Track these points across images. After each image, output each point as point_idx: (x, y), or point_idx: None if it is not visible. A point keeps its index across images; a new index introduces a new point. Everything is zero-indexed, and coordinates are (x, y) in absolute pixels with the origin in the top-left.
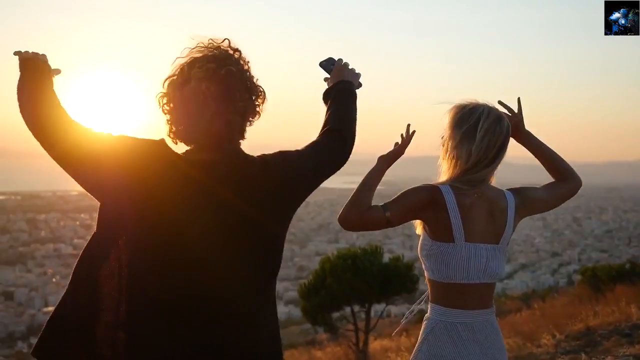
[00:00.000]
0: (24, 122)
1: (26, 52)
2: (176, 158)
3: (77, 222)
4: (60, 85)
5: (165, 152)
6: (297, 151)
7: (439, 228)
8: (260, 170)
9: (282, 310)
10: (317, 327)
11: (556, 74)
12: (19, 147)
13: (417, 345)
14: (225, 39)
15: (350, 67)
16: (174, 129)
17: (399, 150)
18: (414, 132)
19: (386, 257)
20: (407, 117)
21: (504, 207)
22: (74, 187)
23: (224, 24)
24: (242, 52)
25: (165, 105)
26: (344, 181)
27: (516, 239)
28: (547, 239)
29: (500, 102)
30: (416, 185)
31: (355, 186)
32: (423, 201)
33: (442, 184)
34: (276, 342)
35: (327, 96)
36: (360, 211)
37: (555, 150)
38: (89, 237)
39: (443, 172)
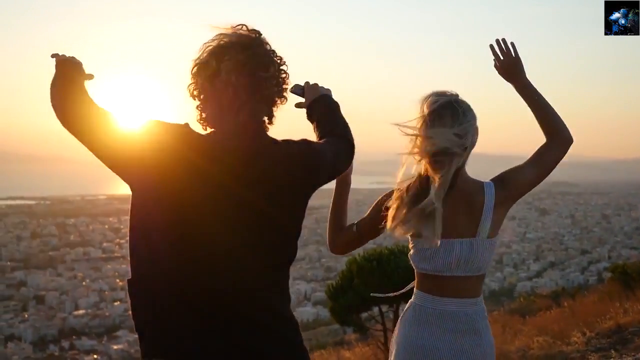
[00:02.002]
0: (54, 123)
1: (62, 55)
2: (201, 141)
3: (106, 226)
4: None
5: (190, 135)
6: (319, 142)
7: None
8: (283, 157)
9: (310, 311)
10: (346, 328)
11: (561, 71)
12: (48, 152)
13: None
14: (242, 25)
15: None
16: (203, 115)
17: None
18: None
19: None
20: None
21: (481, 199)
22: (103, 192)
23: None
24: (262, 34)
25: (195, 93)
26: (370, 181)
27: (544, 237)
28: (576, 237)
29: (491, 46)
30: (380, 198)
31: (381, 186)
32: (382, 210)
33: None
34: (297, 329)
35: (311, 112)
36: (333, 235)
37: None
38: (117, 241)
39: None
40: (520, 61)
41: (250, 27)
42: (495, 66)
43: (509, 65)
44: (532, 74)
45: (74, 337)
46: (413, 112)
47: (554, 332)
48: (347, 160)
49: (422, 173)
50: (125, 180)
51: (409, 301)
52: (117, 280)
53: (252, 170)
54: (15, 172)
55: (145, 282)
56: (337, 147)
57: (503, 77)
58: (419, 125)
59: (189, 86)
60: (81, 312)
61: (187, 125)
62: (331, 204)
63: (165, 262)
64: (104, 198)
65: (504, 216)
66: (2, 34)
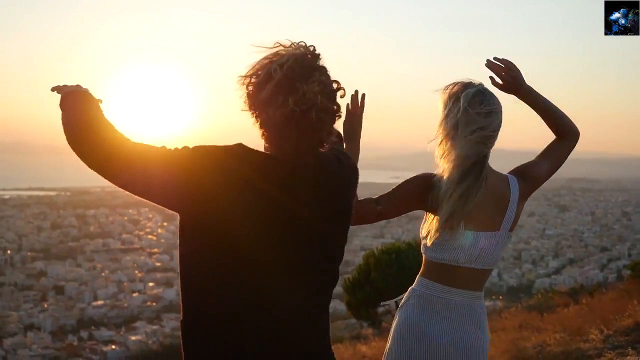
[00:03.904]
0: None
1: (64, 85)
2: (253, 155)
3: (125, 218)
4: (107, 83)
5: (246, 151)
6: (342, 150)
7: (434, 214)
8: (341, 178)
9: None
10: (362, 322)
11: (564, 69)
12: (66, 143)
13: (396, 312)
14: (302, 42)
15: None
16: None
17: (348, 118)
18: (363, 94)
19: None
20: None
21: (507, 192)
22: None
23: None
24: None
25: (258, 125)
26: (389, 176)
27: (564, 234)
28: (596, 234)
29: (488, 61)
30: (411, 177)
31: (399, 181)
32: (419, 191)
33: (437, 173)
34: (329, 345)
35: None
36: None
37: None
38: (136, 232)
39: (439, 158)
40: (519, 71)
41: (309, 45)
42: (494, 84)
43: (510, 82)
44: (542, 74)
45: (92, 327)
46: (436, 106)
47: (571, 329)
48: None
49: (456, 165)
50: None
51: (411, 288)
52: (136, 272)
53: (319, 197)
54: (36, 163)
55: (213, 323)
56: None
57: (505, 92)
58: (458, 116)
59: (246, 97)
60: (100, 302)
61: (241, 145)
62: None
63: (235, 304)
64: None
65: (522, 210)
66: (20, 25)
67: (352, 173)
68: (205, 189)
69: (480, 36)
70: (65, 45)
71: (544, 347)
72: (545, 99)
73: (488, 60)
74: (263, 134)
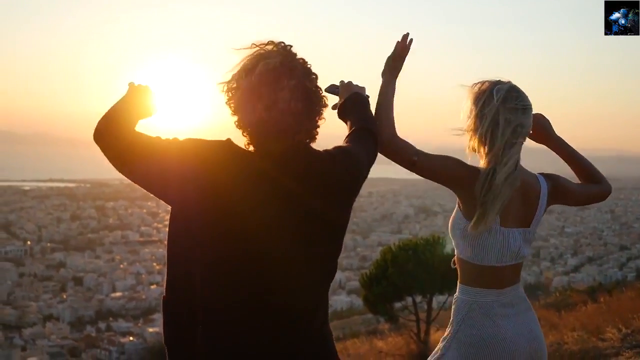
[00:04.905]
0: (96, 108)
1: (139, 85)
2: (245, 153)
3: (144, 210)
4: (125, 76)
5: (233, 149)
6: (351, 146)
7: (472, 208)
8: (328, 163)
9: (344, 299)
10: (379, 317)
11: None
12: (87, 136)
13: (454, 325)
14: (270, 41)
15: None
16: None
17: (396, 55)
18: (411, 39)
19: (448, 248)
20: (452, 104)
21: (537, 191)
22: None
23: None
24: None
25: (233, 104)
26: (406, 171)
27: (583, 232)
28: (616, 232)
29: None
30: (460, 159)
31: (416, 177)
32: (461, 178)
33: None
34: (329, 336)
35: (342, 110)
36: (391, 129)
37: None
38: (155, 225)
39: (479, 153)
40: (549, 122)
41: (278, 42)
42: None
43: (540, 132)
44: (546, 74)
45: (110, 318)
46: (463, 101)
47: (589, 328)
48: (375, 153)
49: (504, 164)
50: (164, 200)
51: (461, 300)
52: (154, 264)
53: (300, 178)
54: (56, 154)
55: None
56: (367, 146)
57: (535, 141)
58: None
59: (225, 101)
60: (118, 294)
61: (229, 140)
62: (380, 99)
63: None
64: None
65: (545, 211)
66: (39, 17)
67: (348, 169)
68: (220, 180)
69: (483, 33)
70: (84, 37)
71: (561, 345)
72: (575, 150)
73: None
74: (243, 134)
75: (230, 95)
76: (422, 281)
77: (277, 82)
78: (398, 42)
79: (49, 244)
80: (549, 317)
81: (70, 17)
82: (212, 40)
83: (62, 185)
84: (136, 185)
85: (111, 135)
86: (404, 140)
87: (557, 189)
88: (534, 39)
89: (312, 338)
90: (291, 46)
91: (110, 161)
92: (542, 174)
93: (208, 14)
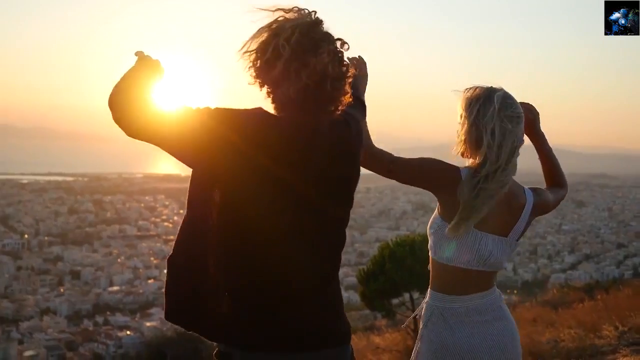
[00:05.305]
0: (95, 102)
1: (148, 56)
2: (279, 120)
3: (142, 204)
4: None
5: (268, 116)
6: (354, 113)
7: (450, 208)
8: (348, 131)
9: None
10: (376, 313)
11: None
12: (86, 130)
13: (420, 330)
14: (298, 7)
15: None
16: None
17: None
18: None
19: None
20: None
21: (522, 203)
22: (139, 170)
23: None
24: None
25: (270, 100)
26: None
27: (580, 229)
28: (613, 230)
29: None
30: (437, 159)
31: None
32: (438, 178)
33: (466, 167)
34: (346, 321)
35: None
36: (366, 139)
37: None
38: (152, 219)
39: (468, 158)
40: (538, 115)
41: (301, 8)
42: None
43: (528, 123)
44: (546, 70)
45: (107, 312)
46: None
47: (586, 325)
48: (365, 117)
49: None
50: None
51: (427, 302)
52: (152, 258)
53: (333, 163)
54: (54, 148)
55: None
56: (362, 113)
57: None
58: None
59: (256, 73)
60: (115, 288)
61: (260, 108)
62: None
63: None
64: (140, 176)
65: (530, 223)
66: (42, 11)
67: (358, 135)
68: (222, 151)
69: (486, 30)
70: (84, 31)
71: (558, 342)
72: (551, 149)
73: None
74: (276, 108)
75: (268, 65)
76: (420, 277)
77: (317, 47)
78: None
79: (46, 238)
80: (546, 314)
81: (71, 10)
82: (216, 34)
83: (60, 178)
84: (134, 179)
85: (132, 108)
86: (379, 149)
87: (541, 204)
88: (533, 38)
89: (319, 312)
90: (315, 12)
91: (128, 130)
92: (530, 188)
93: (215, 8)
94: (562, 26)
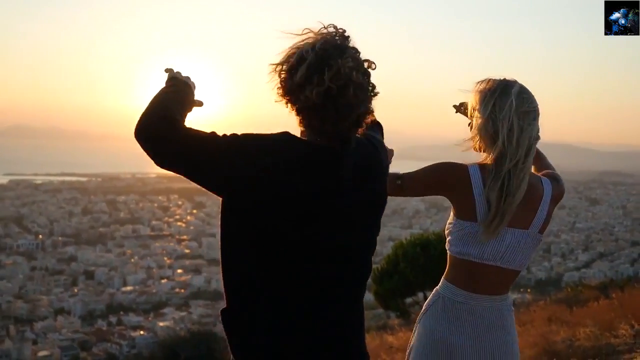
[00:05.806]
0: (109, 102)
1: (178, 72)
2: (304, 146)
3: (155, 204)
4: (140, 70)
5: (293, 142)
6: (376, 135)
7: (464, 207)
8: (376, 152)
9: None
10: (390, 312)
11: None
12: (101, 130)
13: (419, 315)
14: (331, 25)
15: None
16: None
17: None
18: None
19: None
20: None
21: (539, 193)
22: (153, 170)
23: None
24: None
25: (295, 112)
26: (415, 166)
27: (594, 227)
28: (627, 228)
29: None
30: (440, 162)
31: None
32: (446, 180)
33: (474, 164)
34: (363, 338)
35: None
36: None
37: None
38: (166, 219)
39: (484, 153)
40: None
41: (338, 27)
42: None
43: None
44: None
45: (121, 312)
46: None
47: (601, 324)
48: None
49: (493, 158)
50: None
51: (435, 290)
52: (165, 258)
53: (360, 185)
54: (68, 148)
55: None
56: (381, 133)
57: None
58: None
59: (280, 85)
60: (129, 288)
61: (287, 133)
62: None
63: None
64: (154, 176)
65: (552, 212)
66: (55, 12)
67: (387, 158)
68: (249, 177)
69: (486, 30)
70: (97, 32)
71: (573, 341)
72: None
73: None
74: (300, 121)
75: (291, 72)
76: (434, 276)
77: (342, 53)
78: None
79: (60, 238)
80: (561, 313)
81: (84, 11)
82: (222, 36)
83: (73, 179)
84: (147, 179)
85: (165, 136)
86: None
87: (560, 192)
88: (534, 37)
89: (345, 334)
90: (344, 29)
91: (158, 159)
92: (546, 175)
93: (225, 10)
94: (561, 26)
